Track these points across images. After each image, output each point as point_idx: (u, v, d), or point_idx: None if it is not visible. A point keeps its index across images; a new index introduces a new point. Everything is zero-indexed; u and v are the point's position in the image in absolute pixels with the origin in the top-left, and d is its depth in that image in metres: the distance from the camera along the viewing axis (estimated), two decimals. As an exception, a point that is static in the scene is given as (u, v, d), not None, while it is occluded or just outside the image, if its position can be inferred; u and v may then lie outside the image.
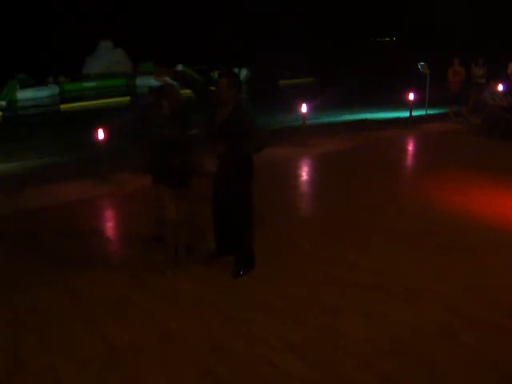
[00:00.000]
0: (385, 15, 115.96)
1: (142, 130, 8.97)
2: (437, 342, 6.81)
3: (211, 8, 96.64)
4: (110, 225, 12.11)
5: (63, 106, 41.52)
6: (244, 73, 55.32)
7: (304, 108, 19.16)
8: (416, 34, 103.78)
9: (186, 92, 8.88)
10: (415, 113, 23.50)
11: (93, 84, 55.57)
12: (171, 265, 9.08)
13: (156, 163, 8.73)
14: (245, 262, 8.97)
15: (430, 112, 25.66)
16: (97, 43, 63.55)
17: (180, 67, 57.10)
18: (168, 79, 8.77)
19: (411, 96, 22.81)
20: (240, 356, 6.59)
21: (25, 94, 47.18)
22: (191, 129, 8.82)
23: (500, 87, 21.88)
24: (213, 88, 8.92)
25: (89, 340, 7.12)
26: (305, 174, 15.99)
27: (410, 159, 18.08)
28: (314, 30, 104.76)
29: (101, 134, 15.23)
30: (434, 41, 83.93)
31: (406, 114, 23.50)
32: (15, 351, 6.93)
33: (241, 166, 8.60)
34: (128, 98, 44.19)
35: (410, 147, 19.90)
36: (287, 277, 8.74)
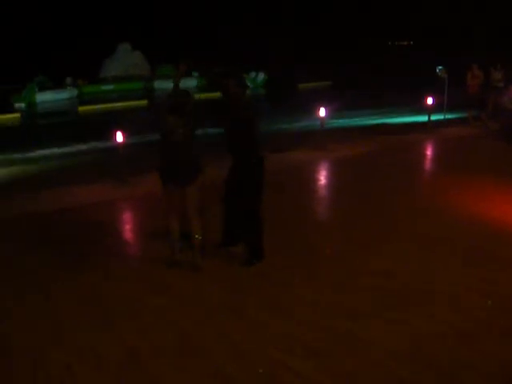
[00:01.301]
0: (402, 19, 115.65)
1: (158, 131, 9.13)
2: (454, 347, 6.77)
3: (230, 12, 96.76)
4: (127, 227, 12.16)
5: (81, 109, 41.59)
6: (261, 77, 55.36)
7: (322, 112, 19.12)
8: (434, 37, 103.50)
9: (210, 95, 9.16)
10: (433, 117, 23.36)
11: (111, 87, 55.70)
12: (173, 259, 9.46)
13: (162, 162, 9.05)
14: (253, 254, 9.41)
15: (449, 116, 25.49)
16: (115, 46, 63.66)
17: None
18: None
19: (430, 100, 22.69)
20: (256, 359, 6.59)
21: (43, 97, 47.36)
22: (200, 129, 9.00)
23: (519, 91, 21.78)
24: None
25: (105, 341, 7.17)
26: (323, 178, 15.96)
27: (428, 164, 18.01)
28: (333, 34, 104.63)
29: (119, 137, 15.28)
30: (451, 45, 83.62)
31: (425, 118, 23.37)
32: (32, 351, 6.99)
33: (251, 164, 9.09)
34: (146, 101, 44.18)
35: (429, 152, 19.82)
36: (304, 281, 8.73)
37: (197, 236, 9.17)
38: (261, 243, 9.49)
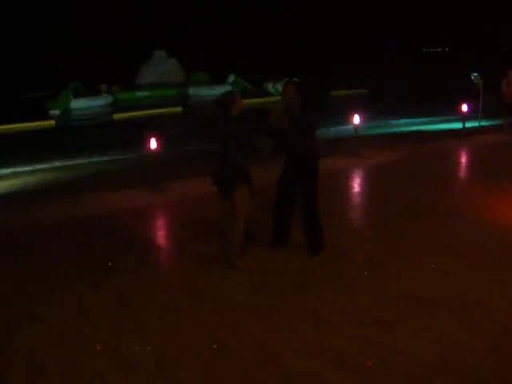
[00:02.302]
0: (436, 25, 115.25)
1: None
2: (484, 357, 6.69)
3: (264, 20, 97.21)
4: (161, 233, 12.21)
5: (116, 116, 41.62)
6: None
7: (356, 119, 19.11)
8: (468, 43, 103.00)
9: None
10: (468, 124, 23.22)
11: (146, 93, 55.98)
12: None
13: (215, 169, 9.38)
14: (319, 243, 10.08)
15: (483, 123, 25.32)
16: (151, 53, 64.15)
17: (232, 77, 57.59)
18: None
19: (464, 107, 22.56)
20: (289, 368, 6.56)
21: (78, 104, 47.62)
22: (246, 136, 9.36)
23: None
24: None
25: (138, 346, 7.18)
26: (357, 184, 15.93)
27: (463, 171, 17.88)
28: (366, 41, 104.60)
29: (153, 143, 15.39)
30: (486, 51, 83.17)
31: (459, 125, 23.26)
32: (65, 355, 7.04)
33: (310, 162, 9.86)
34: (180, 108, 44.25)
35: (464, 159, 19.67)
36: (335, 287, 8.71)
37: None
38: (322, 232, 10.08)
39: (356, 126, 19.20)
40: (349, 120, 20.00)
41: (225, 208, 9.52)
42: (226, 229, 9.65)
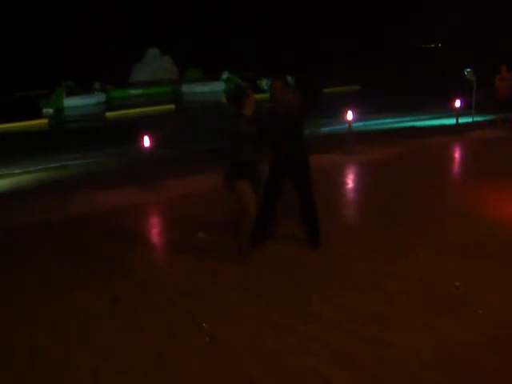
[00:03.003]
0: (429, 21, 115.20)
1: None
2: (487, 356, 6.68)
3: (255, 17, 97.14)
4: (155, 231, 12.19)
5: (109, 114, 41.38)
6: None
7: (350, 115, 19.09)
8: (462, 39, 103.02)
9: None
10: (462, 120, 23.23)
11: (140, 91, 55.79)
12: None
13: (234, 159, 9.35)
14: (318, 237, 10.21)
15: (477, 119, 25.30)
16: (145, 51, 63.96)
17: (226, 74, 57.47)
18: None
19: (458, 103, 22.57)
20: (285, 366, 6.57)
21: (72, 102, 47.37)
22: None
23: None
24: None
25: (133, 345, 7.20)
26: (350, 181, 15.92)
27: (457, 167, 17.88)
28: (363, 40, 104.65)
29: (146, 141, 15.38)
30: (480, 47, 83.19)
31: (453, 121, 23.26)
32: (64, 354, 7.06)
33: (301, 156, 9.91)
34: (173, 105, 44.16)
35: (457, 155, 19.65)
36: (334, 286, 8.70)
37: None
38: (319, 226, 10.24)
39: (349, 123, 19.17)
40: (342, 116, 19.98)
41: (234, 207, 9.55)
42: (234, 226, 9.71)
